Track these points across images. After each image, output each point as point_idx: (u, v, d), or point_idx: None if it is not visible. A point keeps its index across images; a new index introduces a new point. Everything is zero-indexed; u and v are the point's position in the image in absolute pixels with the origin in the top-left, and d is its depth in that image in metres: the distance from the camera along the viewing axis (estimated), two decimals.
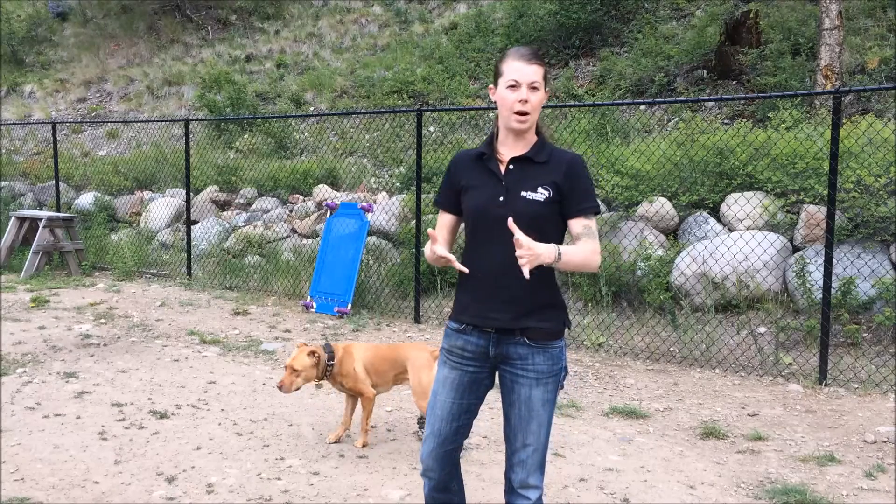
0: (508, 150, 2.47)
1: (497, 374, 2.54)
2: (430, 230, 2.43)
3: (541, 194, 2.39)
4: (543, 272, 2.36)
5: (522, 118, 2.39)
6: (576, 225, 2.41)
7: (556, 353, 2.44)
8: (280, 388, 3.99)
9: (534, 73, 2.38)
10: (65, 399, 4.89)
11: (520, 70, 2.38)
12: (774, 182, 6.63)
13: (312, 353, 4.04)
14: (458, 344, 2.50)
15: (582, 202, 2.41)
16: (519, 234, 2.18)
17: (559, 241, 2.42)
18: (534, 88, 2.38)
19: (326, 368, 4.07)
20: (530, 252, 2.17)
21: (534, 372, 2.42)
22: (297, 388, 4.05)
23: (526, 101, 2.38)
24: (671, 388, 5.39)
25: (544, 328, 2.42)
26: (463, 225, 2.57)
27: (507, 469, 2.52)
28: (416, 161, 7.54)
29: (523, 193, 2.39)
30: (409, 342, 4.65)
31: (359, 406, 4.26)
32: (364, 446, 4.18)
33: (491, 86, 2.49)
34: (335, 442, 4.24)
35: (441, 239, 2.51)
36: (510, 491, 2.50)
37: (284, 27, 18.04)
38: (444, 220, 2.58)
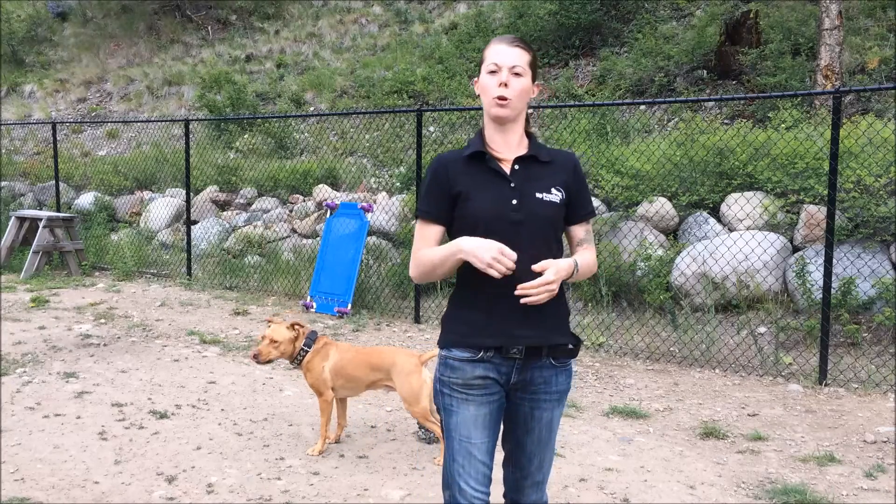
0: (499, 147, 2.23)
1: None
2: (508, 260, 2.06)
3: (555, 195, 2.21)
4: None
5: (502, 103, 2.15)
6: (579, 230, 2.30)
7: (570, 369, 2.31)
8: (256, 357, 3.94)
9: (517, 56, 2.16)
10: (65, 399, 4.89)
11: (501, 53, 2.16)
12: (774, 182, 6.63)
13: (293, 327, 4.03)
14: (478, 374, 2.18)
15: (586, 206, 2.30)
16: (543, 266, 2.07)
17: (561, 246, 2.33)
18: (517, 74, 2.15)
19: (301, 351, 4.04)
20: (552, 286, 2.06)
21: (556, 392, 2.26)
22: (271, 361, 4.00)
23: (506, 85, 2.14)
24: (671, 388, 5.39)
25: (568, 345, 2.25)
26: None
27: (511, 491, 2.36)
28: (416, 161, 7.54)
29: (538, 195, 2.18)
30: (392, 346, 4.61)
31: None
32: (320, 454, 4.06)
33: (475, 78, 2.25)
34: (334, 442, 4.24)
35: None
36: None
37: (284, 27, 18.04)
38: (431, 232, 2.23)
